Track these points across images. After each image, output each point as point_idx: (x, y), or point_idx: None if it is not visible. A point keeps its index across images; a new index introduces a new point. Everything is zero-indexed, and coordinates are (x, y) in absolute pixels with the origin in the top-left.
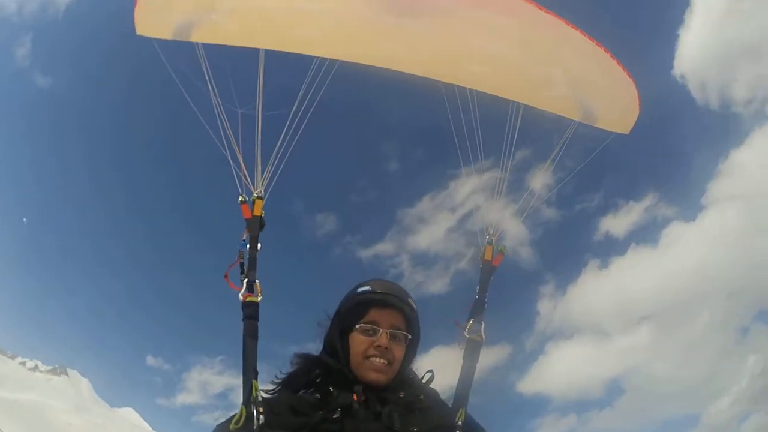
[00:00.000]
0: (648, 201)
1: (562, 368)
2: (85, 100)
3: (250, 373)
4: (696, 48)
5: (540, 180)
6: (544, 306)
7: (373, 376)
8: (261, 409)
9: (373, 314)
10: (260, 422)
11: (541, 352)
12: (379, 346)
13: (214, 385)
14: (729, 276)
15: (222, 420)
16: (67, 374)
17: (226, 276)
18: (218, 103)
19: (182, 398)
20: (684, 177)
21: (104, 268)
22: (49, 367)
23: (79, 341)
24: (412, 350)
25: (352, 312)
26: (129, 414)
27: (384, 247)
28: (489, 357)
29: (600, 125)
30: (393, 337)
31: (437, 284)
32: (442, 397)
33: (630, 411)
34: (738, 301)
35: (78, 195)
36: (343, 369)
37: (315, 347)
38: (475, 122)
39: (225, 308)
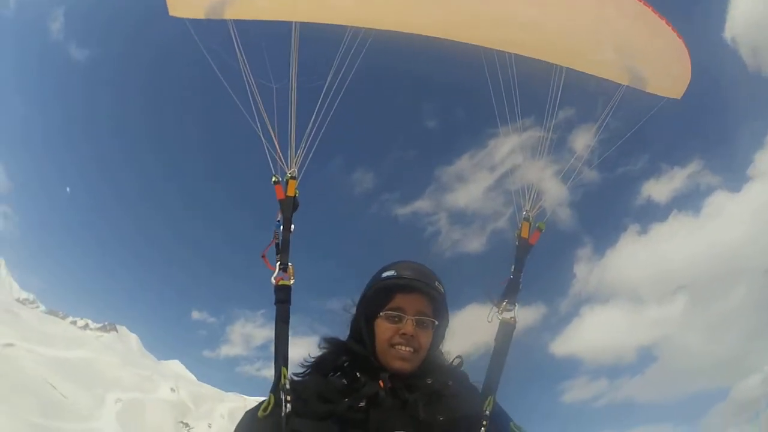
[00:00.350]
0: (692, 167)
1: (595, 332)
2: (120, 73)
3: (280, 360)
4: (749, 10)
5: (583, 142)
6: (580, 269)
7: (398, 365)
8: (288, 397)
9: (399, 300)
10: (288, 410)
11: (575, 314)
12: (404, 333)
13: (256, 337)
14: None
15: (251, 408)
16: (116, 331)
17: (263, 256)
18: (250, 79)
19: (226, 350)
20: (731, 145)
21: (148, 229)
22: (99, 325)
23: (127, 299)
24: (439, 334)
25: (376, 298)
26: (175, 366)
27: (422, 205)
28: (523, 316)
29: (650, 90)
30: (419, 324)
31: (474, 243)
32: (471, 374)
33: (661, 380)
34: None
35: (117, 163)
36: (369, 356)
37: (346, 303)
38: (513, 82)
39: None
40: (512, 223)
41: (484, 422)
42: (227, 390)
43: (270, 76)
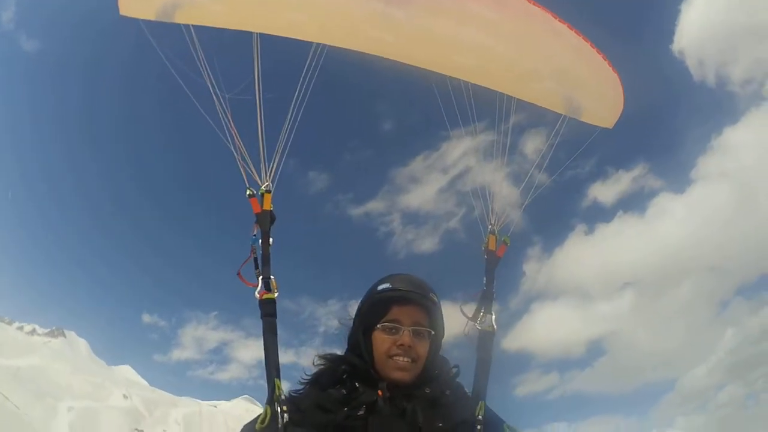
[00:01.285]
0: (638, 171)
1: (545, 328)
2: (73, 69)
3: (272, 372)
4: (697, 25)
5: (533, 146)
6: (530, 267)
7: (397, 375)
8: (285, 408)
9: (395, 312)
10: (285, 420)
11: (526, 311)
12: (402, 344)
13: (208, 340)
14: (713, 250)
15: (247, 421)
16: (64, 336)
17: (239, 273)
18: (214, 89)
19: (177, 354)
20: (675, 150)
21: (97, 229)
22: (47, 330)
23: (75, 303)
24: (436, 344)
25: (373, 310)
26: (127, 371)
27: (375, 205)
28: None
29: (585, 119)
30: (416, 334)
31: (427, 243)
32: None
33: (610, 372)
34: (720, 275)
35: (61, 161)
36: (368, 368)
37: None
38: (465, 88)
39: (219, 264)
40: (464, 224)
41: (479, 426)
42: (180, 395)
43: (222, 86)
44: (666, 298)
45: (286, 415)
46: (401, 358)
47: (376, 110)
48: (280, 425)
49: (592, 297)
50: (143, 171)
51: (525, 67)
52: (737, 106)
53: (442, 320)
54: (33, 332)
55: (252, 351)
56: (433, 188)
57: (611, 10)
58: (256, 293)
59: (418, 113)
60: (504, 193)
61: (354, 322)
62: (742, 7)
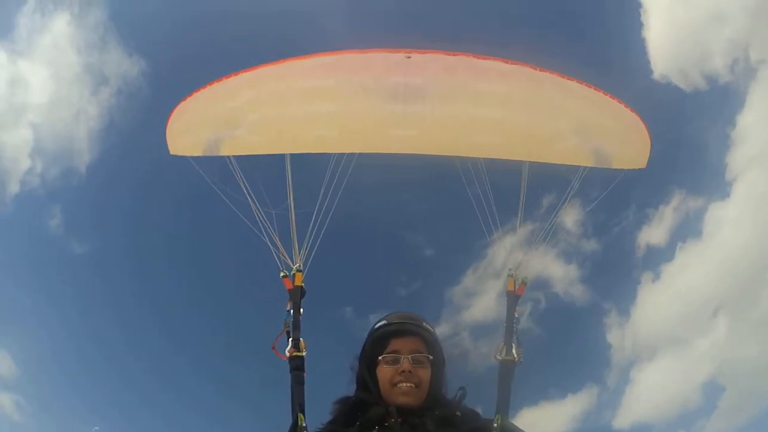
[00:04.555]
0: (676, 199)
1: (652, 391)
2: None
3: (296, 408)
4: (663, 43)
5: (572, 219)
6: (613, 336)
7: (402, 400)
8: None
9: (394, 344)
10: None
11: (626, 382)
12: (403, 371)
13: None
14: None
15: None
16: None
17: (273, 348)
18: (256, 206)
19: None
20: (700, 162)
21: (177, 409)
22: None
23: None
24: (438, 370)
25: (374, 346)
26: None
27: (441, 330)
28: (578, 404)
29: (616, 166)
30: (416, 362)
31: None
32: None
33: (736, 405)
34: None
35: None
36: (376, 400)
37: None
38: (487, 189)
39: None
40: (534, 319)
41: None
42: None
43: (267, 201)
44: (760, 303)
45: None
46: (404, 384)
47: (414, 242)
48: None
49: (686, 339)
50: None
51: (546, 130)
52: (737, 90)
53: (440, 348)
54: None
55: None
56: (491, 296)
57: (581, 71)
58: (286, 351)
59: (454, 233)
60: (522, 241)
61: (359, 362)
62: (691, 4)
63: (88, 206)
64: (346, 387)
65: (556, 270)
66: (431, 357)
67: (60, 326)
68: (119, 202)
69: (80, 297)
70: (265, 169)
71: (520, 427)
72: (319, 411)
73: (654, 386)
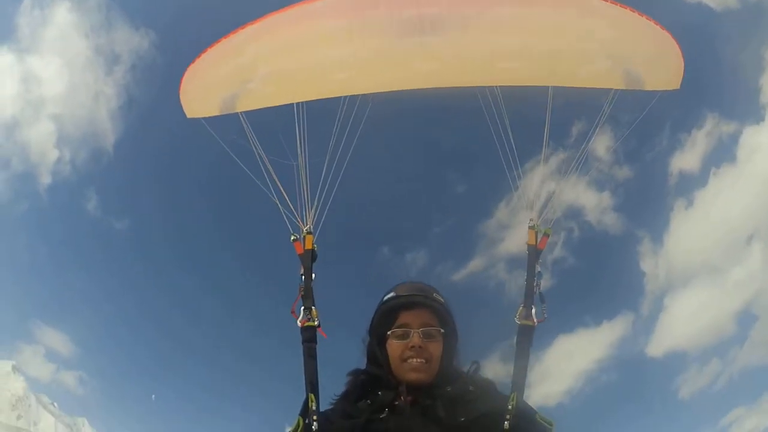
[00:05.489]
0: (709, 124)
1: (686, 318)
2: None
3: (308, 387)
4: None
5: (603, 146)
6: (647, 264)
7: (413, 376)
8: (315, 418)
9: (403, 317)
10: (315, 429)
11: (660, 309)
12: (413, 346)
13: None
14: None
15: None
16: None
17: (292, 311)
18: (265, 160)
19: None
20: (733, 86)
21: (229, 360)
22: None
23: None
24: (450, 343)
25: (382, 320)
26: None
27: (476, 264)
28: (613, 331)
29: (649, 88)
30: (426, 335)
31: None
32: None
33: None
34: None
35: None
36: (386, 375)
37: None
38: (506, 121)
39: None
40: (568, 249)
41: (508, 416)
42: None
43: (287, 153)
44: None
45: (315, 424)
46: (414, 360)
47: (445, 180)
48: None
49: (721, 267)
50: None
51: (573, 52)
52: None
53: (453, 319)
54: None
55: None
56: (525, 227)
57: None
58: (298, 322)
59: (483, 167)
60: (546, 186)
61: (369, 335)
62: None
63: (121, 183)
64: (358, 360)
65: (588, 199)
66: (443, 330)
67: (110, 302)
68: (149, 174)
69: (127, 270)
70: (276, 125)
71: (534, 407)
72: (356, 350)
73: (688, 314)
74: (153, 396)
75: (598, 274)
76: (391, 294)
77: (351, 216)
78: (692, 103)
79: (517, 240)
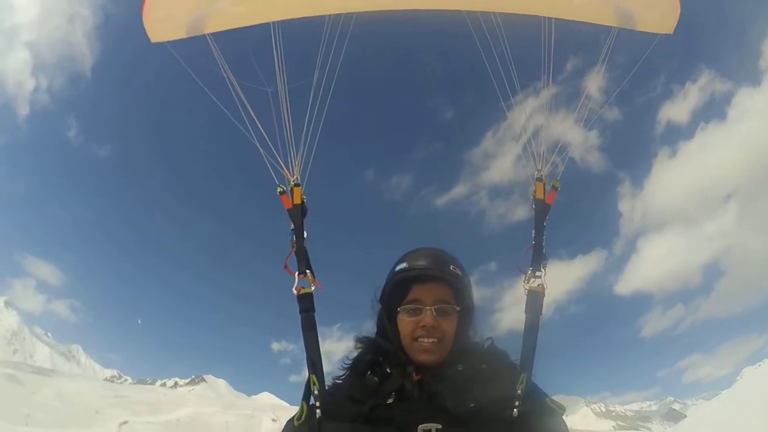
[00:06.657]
0: (704, 79)
1: (656, 262)
2: (144, 163)
3: (309, 368)
4: None
5: (596, 86)
6: (625, 205)
7: (423, 357)
8: (318, 403)
9: (416, 291)
10: (318, 416)
11: (632, 251)
12: (425, 325)
13: (336, 351)
14: None
15: (291, 417)
16: (205, 381)
17: (285, 266)
18: (236, 88)
19: None
20: (735, 45)
21: (211, 276)
22: (187, 380)
23: (206, 348)
24: (466, 319)
25: (393, 293)
26: (267, 398)
27: (460, 190)
28: (586, 266)
29: (641, 28)
30: (439, 313)
31: (519, 212)
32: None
33: (734, 291)
34: None
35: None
36: (395, 351)
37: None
38: (505, 46)
39: (334, 278)
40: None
41: (517, 402)
42: None
43: (263, 80)
44: None
45: (318, 411)
46: (425, 340)
47: (432, 104)
48: (314, 422)
49: (695, 219)
50: (240, 211)
51: None
52: None
53: (470, 292)
54: (176, 385)
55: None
56: (509, 158)
57: None
58: (293, 289)
59: (473, 95)
60: (553, 132)
61: (380, 305)
62: None
63: (101, 108)
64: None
65: (574, 135)
66: (458, 308)
67: (97, 229)
68: (130, 96)
69: (112, 197)
70: (253, 46)
71: (545, 391)
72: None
73: (658, 259)
74: (139, 320)
75: (576, 210)
76: (404, 264)
77: (335, 141)
78: (690, 56)
79: (501, 169)
